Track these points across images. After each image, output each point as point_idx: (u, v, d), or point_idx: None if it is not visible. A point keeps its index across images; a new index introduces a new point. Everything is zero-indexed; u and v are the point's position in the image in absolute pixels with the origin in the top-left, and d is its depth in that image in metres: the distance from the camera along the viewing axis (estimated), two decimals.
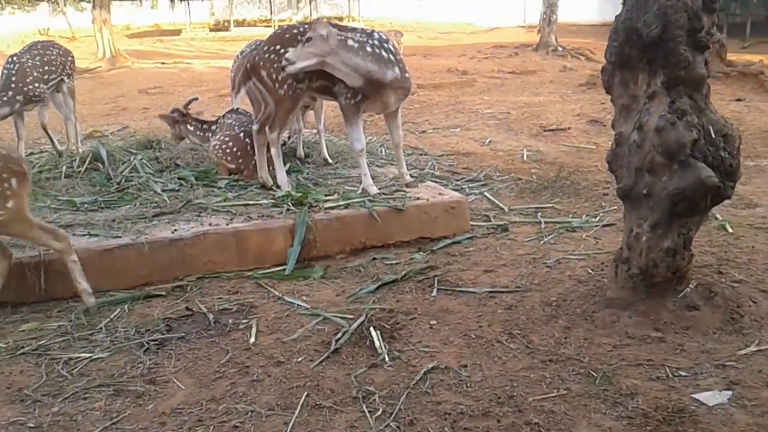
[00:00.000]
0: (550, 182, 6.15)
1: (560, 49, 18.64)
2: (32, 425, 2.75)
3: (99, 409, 2.84)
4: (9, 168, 3.62)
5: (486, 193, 5.83)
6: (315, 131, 6.55)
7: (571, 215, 5.26)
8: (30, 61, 6.20)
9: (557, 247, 4.58)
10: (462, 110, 10.22)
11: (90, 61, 18.97)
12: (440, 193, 5.11)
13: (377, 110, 5.22)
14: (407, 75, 4.98)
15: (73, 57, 6.98)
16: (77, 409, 2.85)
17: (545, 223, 5.06)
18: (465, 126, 8.98)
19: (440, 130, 8.72)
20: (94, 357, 3.29)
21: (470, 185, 6.10)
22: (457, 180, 6.27)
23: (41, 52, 6.46)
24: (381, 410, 2.74)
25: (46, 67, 6.40)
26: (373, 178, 5.16)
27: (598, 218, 5.11)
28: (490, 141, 7.95)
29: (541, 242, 4.68)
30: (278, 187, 5.17)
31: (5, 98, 5.85)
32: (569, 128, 8.58)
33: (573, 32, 21.94)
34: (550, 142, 8.00)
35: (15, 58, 6.16)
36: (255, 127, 5.31)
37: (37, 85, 6.12)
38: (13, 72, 5.96)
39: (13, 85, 5.90)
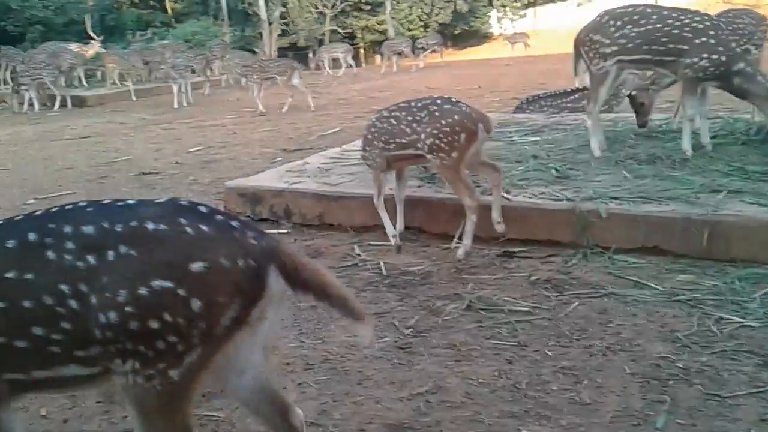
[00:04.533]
0: None
1: None
2: (680, 366, 2.99)
3: (745, 374, 2.88)
4: (464, 124, 4.33)
5: None
6: None
7: None
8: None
9: None
10: None
11: None
12: None
13: None
14: None
15: (766, 26, 6.74)
16: (724, 367, 2.95)
17: None
18: None
19: None
20: (745, 323, 3.31)
21: None
22: None
23: (732, 19, 6.40)
24: None
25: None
26: None
27: None
28: None
29: None
30: None
31: None
32: None
33: None
34: None
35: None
36: None
37: None
38: None
39: None
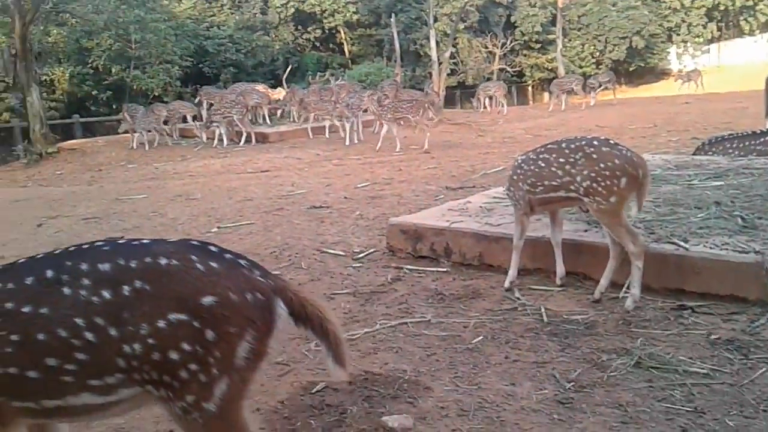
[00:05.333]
0: None
1: None
2: None
3: None
4: (624, 168, 4.14)
5: None
6: None
7: None
8: None
9: None
10: None
11: None
12: None
13: None
14: None
15: None
16: None
17: None
18: None
19: None
20: None
21: None
22: None
23: None
24: None
25: None
26: None
27: None
28: None
29: None
30: None
31: None
32: None
33: None
34: None
35: None
36: None
37: None
38: None
39: None
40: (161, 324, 1.87)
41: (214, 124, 17.54)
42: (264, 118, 20.67)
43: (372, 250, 6.01)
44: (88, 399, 1.97)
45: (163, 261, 1.93)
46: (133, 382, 1.94)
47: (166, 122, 19.28)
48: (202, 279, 1.92)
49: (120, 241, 2.08)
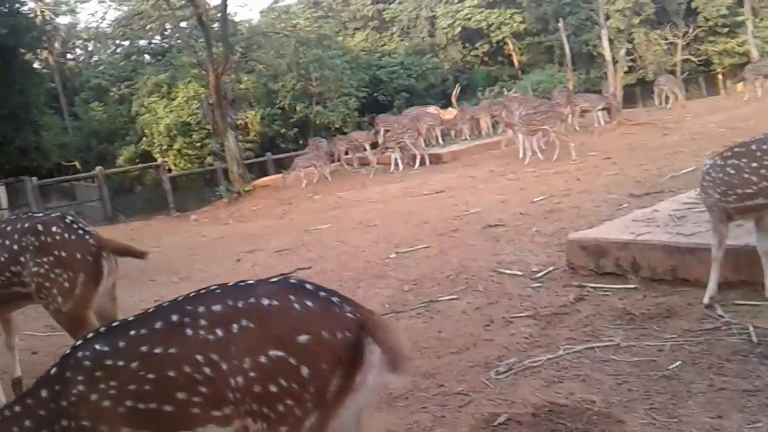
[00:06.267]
0: None
1: None
2: None
3: None
4: None
5: None
6: None
7: None
8: None
9: None
10: None
11: None
12: None
13: None
14: None
15: None
16: None
17: None
18: None
19: None
20: None
21: None
22: None
23: None
24: None
25: None
26: None
27: None
28: None
29: None
30: None
31: None
32: None
33: None
34: None
35: None
36: None
37: None
38: None
39: None
40: (262, 359, 2.05)
41: (389, 149, 18.06)
42: (437, 139, 20.95)
43: (551, 269, 5.76)
44: (213, 430, 2.16)
45: (266, 302, 2.12)
46: (239, 414, 2.10)
47: (346, 153, 20.27)
48: (298, 318, 2.09)
49: (230, 284, 2.26)
